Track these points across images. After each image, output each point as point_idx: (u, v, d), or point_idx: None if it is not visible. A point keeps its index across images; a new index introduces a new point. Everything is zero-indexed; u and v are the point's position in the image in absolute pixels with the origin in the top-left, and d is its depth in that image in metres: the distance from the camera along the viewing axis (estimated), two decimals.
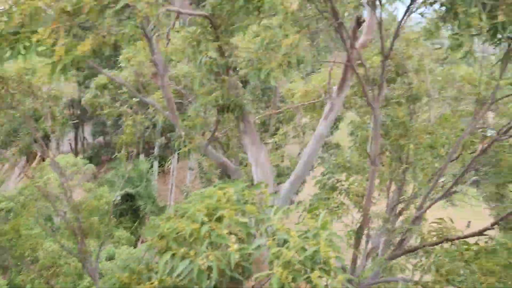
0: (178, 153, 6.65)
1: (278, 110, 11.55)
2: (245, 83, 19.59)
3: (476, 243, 5.73)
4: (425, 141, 8.23)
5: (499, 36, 5.34)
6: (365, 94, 7.20)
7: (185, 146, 6.43)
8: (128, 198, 23.49)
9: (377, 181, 11.42)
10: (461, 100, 11.77)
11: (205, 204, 3.78)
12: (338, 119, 18.21)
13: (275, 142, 10.33)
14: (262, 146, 7.46)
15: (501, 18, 5.01)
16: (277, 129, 11.82)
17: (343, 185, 8.79)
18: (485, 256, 5.35)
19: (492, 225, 6.21)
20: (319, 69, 11.48)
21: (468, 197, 15.54)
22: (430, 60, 11.85)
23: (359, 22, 8.70)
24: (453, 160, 8.20)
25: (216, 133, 8.97)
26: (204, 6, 6.33)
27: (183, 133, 6.37)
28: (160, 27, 7.73)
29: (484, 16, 5.10)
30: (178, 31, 6.56)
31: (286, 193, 9.71)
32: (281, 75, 5.18)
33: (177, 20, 7.04)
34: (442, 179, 11.19)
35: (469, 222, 24.79)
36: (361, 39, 10.43)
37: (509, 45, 6.11)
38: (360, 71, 10.79)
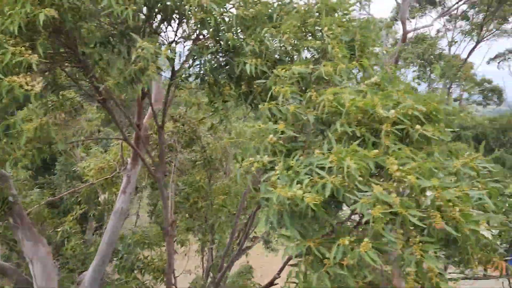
0: None
1: (71, 190, 10.63)
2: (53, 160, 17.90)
3: None
4: (220, 201, 8.52)
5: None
6: (147, 167, 7.09)
7: None
8: None
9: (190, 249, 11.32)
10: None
11: None
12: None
13: (64, 231, 9.38)
14: (39, 239, 6.59)
15: (244, 88, 5.60)
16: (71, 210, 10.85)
17: (143, 262, 8.37)
18: None
19: (278, 273, 6.58)
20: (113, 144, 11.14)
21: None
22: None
23: (143, 93, 8.75)
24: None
25: None
26: None
27: None
28: None
29: (233, 86, 5.63)
30: None
31: (90, 280, 8.79)
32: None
33: None
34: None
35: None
36: (151, 109, 10.57)
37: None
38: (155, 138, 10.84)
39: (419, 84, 21.91)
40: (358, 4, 21.10)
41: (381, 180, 2.90)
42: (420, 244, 2.55)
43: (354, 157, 2.68)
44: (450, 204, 2.63)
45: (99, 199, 10.33)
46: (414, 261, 2.51)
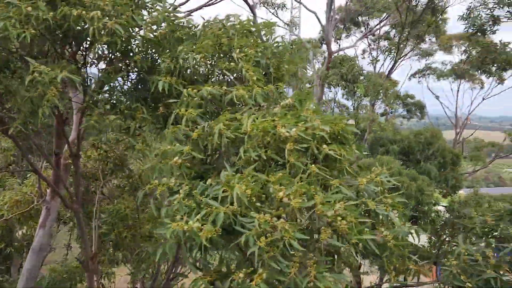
0: None
1: None
2: None
3: None
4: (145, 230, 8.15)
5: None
6: (62, 199, 6.62)
7: None
8: None
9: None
10: None
11: None
12: None
13: None
14: None
15: (161, 110, 5.42)
16: None
17: None
18: None
19: None
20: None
21: None
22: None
23: (58, 119, 8.24)
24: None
25: None
26: None
27: None
28: None
29: (145, 110, 5.41)
30: None
31: None
32: None
33: None
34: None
35: None
36: (72, 136, 10.02)
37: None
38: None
39: (347, 99, 22.84)
40: (287, 26, 21.71)
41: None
42: (315, 265, 2.49)
43: (248, 183, 2.60)
44: (339, 218, 2.63)
45: (17, 234, 9.50)
46: (307, 283, 2.45)
